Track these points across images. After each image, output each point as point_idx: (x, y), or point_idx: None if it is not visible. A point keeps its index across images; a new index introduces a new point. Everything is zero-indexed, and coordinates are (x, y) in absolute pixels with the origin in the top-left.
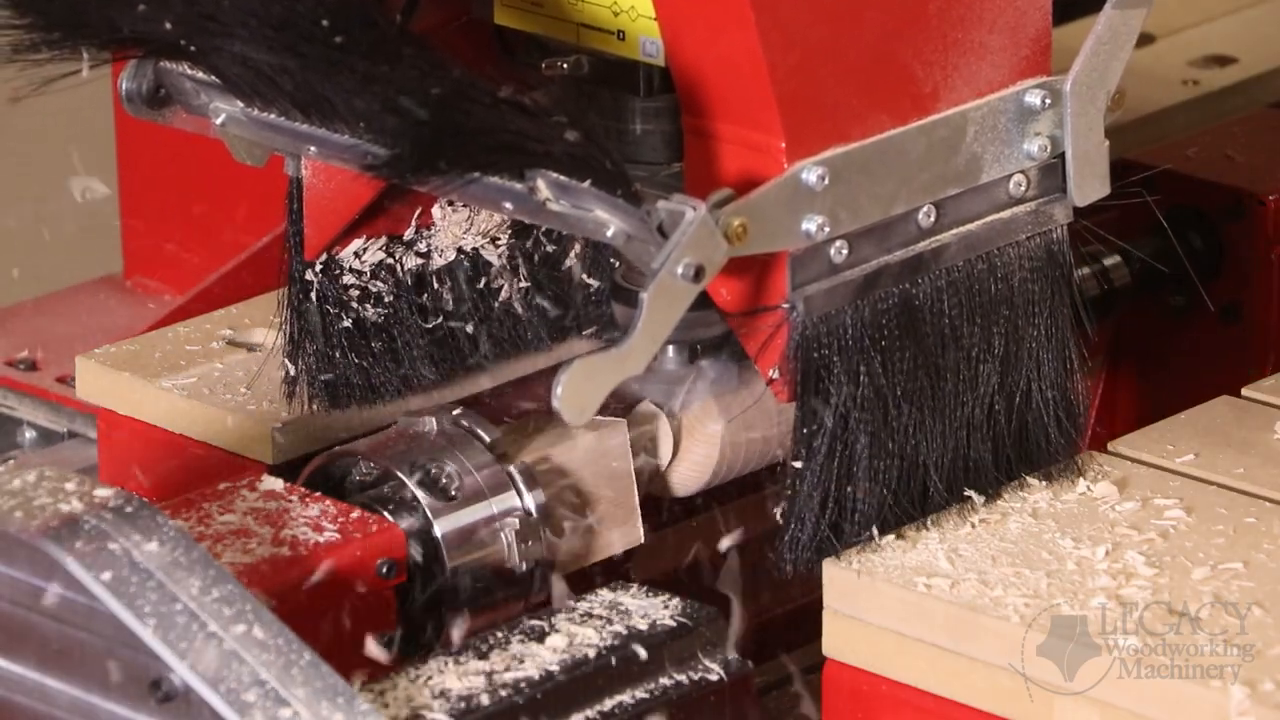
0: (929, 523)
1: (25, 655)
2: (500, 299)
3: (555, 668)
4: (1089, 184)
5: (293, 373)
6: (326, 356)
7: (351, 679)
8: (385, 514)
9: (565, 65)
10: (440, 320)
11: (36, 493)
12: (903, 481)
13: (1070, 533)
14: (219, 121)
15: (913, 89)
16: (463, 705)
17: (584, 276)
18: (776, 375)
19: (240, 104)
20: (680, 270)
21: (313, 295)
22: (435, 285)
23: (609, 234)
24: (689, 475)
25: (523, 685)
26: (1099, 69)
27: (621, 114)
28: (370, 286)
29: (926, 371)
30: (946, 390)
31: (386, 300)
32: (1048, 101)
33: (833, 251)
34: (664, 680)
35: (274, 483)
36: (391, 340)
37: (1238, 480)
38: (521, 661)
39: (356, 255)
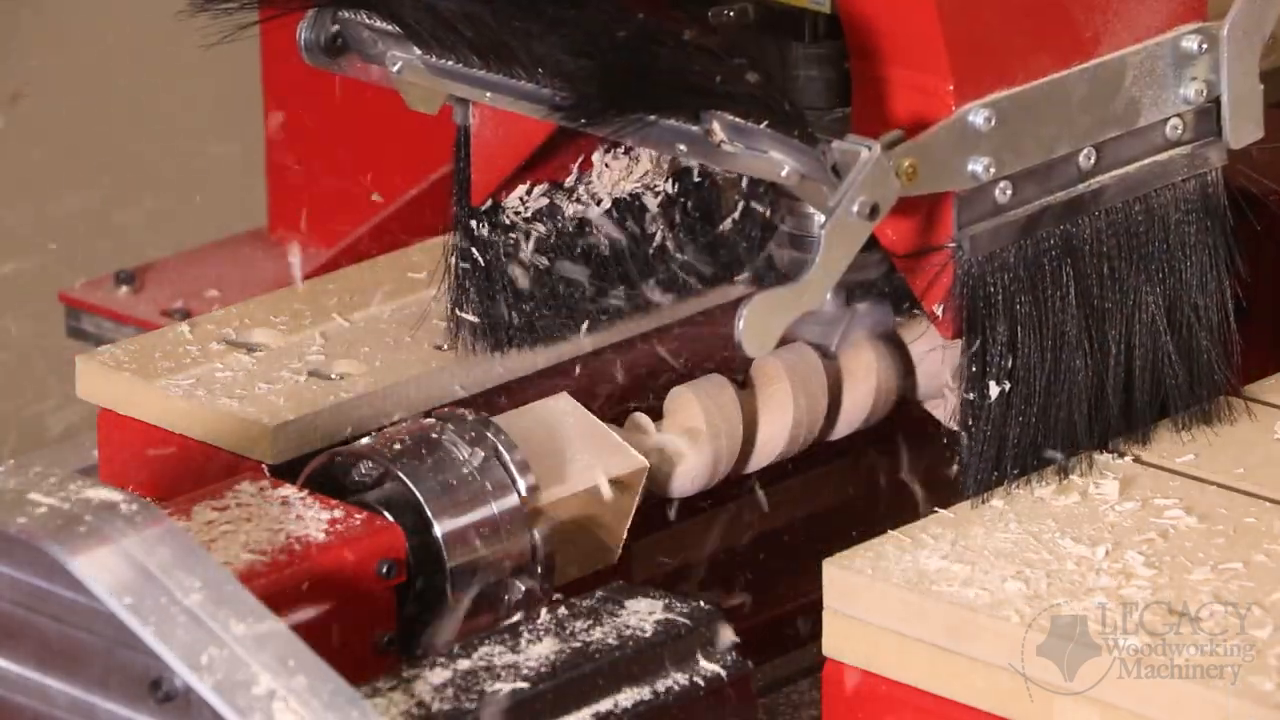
0: (929, 523)
1: (25, 655)
2: (655, 245)
3: (554, 668)
4: (1244, 127)
5: (457, 316)
6: (490, 299)
7: (351, 679)
8: (385, 514)
9: (731, 14)
10: (598, 265)
11: (37, 493)
12: (1059, 417)
13: (1070, 533)
14: (395, 69)
15: (1074, 33)
16: (462, 705)
17: (738, 223)
18: (941, 313)
19: (418, 51)
20: (856, 208)
21: (477, 239)
22: (594, 231)
23: (783, 174)
24: (766, 445)
25: (522, 685)
26: (1255, 14)
27: (785, 60)
28: (532, 231)
29: (1085, 311)
30: (1105, 329)
31: (548, 244)
32: (1204, 46)
33: (997, 192)
34: (664, 680)
35: (273, 482)
36: (552, 284)
37: (1238, 480)
38: (521, 661)
39: (521, 200)
